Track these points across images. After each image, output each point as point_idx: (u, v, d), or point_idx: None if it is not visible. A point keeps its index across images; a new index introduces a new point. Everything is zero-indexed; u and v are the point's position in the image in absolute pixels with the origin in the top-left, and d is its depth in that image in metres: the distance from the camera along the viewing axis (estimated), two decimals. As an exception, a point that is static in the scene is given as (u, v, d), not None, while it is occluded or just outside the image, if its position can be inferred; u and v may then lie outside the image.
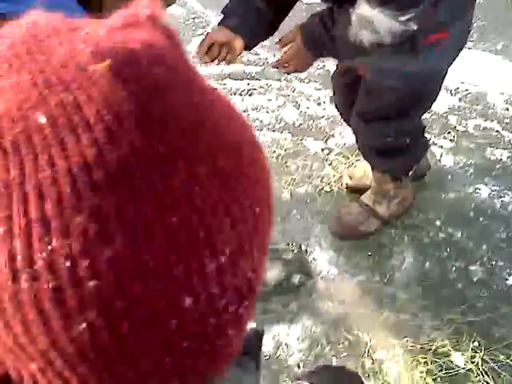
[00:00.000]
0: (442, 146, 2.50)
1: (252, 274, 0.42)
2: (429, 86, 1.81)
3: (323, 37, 1.60)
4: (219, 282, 0.38)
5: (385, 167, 2.06)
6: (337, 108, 2.21)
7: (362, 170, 2.34)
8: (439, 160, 2.45)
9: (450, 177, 2.37)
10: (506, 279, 2.00)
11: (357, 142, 2.07)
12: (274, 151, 2.57)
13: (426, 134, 2.50)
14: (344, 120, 2.21)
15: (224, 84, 2.95)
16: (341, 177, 2.42)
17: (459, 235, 2.15)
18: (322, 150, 2.57)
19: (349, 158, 2.50)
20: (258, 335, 0.72)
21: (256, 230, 0.41)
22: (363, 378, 1.78)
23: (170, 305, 0.36)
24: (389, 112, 1.84)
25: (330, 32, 1.58)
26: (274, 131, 2.67)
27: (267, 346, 1.90)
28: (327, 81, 2.88)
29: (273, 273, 2.12)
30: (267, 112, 2.77)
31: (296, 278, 2.09)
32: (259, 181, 0.43)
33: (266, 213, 0.43)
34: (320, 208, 2.32)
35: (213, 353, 0.41)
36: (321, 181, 2.43)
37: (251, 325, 0.76)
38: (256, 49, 3.16)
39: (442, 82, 1.83)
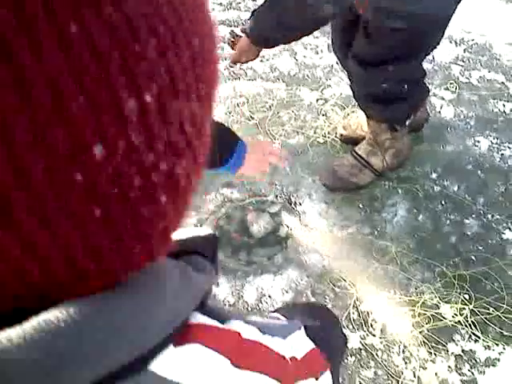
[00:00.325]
0: (442, 98, 2.39)
1: (191, 127, 0.32)
2: (432, 28, 1.69)
3: (271, 31, 1.52)
4: (144, 128, 0.29)
5: (381, 115, 1.96)
6: (334, 51, 2.10)
7: (358, 121, 2.24)
8: (439, 112, 2.34)
9: (449, 129, 2.27)
10: (502, 233, 1.91)
11: (351, 88, 1.96)
12: (267, 102, 2.48)
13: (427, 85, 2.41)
14: (341, 64, 2.10)
15: (217, 32, 2.84)
16: (335, 128, 2.32)
17: (455, 188, 2.05)
18: (317, 100, 2.46)
19: (344, 109, 2.40)
20: (214, 239, 0.62)
21: (194, 68, 0.31)
22: (343, 322, 1.72)
23: (70, 153, 0.26)
24: (388, 56, 1.72)
25: (283, 23, 1.49)
26: (267, 81, 2.57)
27: (250, 298, 1.83)
28: (326, 28, 2.76)
29: (259, 225, 2.04)
30: (261, 61, 2.67)
31: (283, 231, 2.02)
32: (195, 8, 0.32)
33: (210, 50, 0.34)
34: (312, 160, 2.23)
35: (137, 225, 0.31)
36: (314, 132, 2.33)
37: (207, 230, 0.68)
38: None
39: (446, 25, 1.71)
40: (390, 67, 1.74)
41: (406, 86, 1.83)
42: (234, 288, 1.86)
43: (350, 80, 1.95)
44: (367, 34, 1.72)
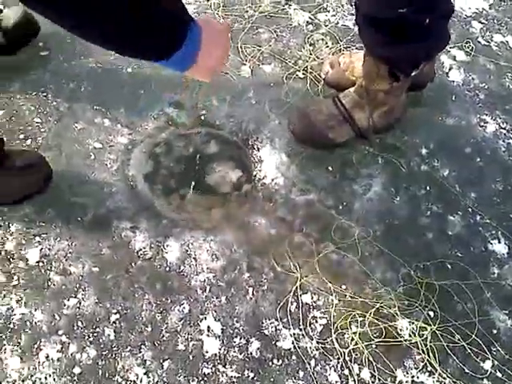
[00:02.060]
0: (454, 57, 1.98)
1: None
2: None
3: None
4: None
5: (385, 52, 1.50)
6: None
7: (350, 61, 1.82)
8: (447, 74, 1.93)
9: (453, 97, 1.87)
10: (489, 242, 1.57)
11: (355, 6, 1.50)
12: (247, 11, 2.01)
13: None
14: None
15: None
16: (321, 63, 1.89)
17: (446, 173, 1.69)
18: (307, 23, 2.01)
19: (338, 43, 1.96)
20: None
21: None
22: (277, 313, 1.38)
23: None
24: None
25: None
26: (253, -15, 2.09)
27: (171, 256, 1.46)
28: None
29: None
30: (252, -41, 2.18)
31: (230, 180, 1.63)
32: None
33: None
34: (284, 97, 1.81)
35: None
36: (295, 63, 1.90)
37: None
38: None
39: None
40: None
41: (427, 20, 1.39)
42: (154, 239, 1.49)
43: None
44: None
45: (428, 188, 1.66)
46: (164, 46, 0.93)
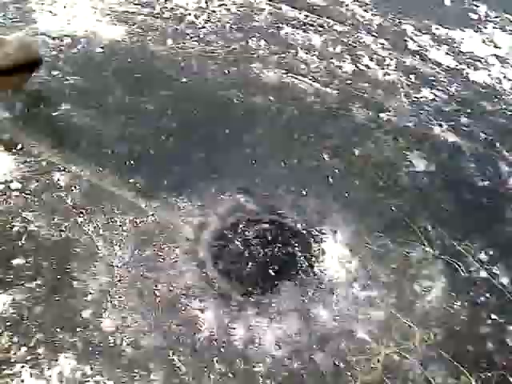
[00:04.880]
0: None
1: None
2: None
3: None
4: None
5: None
6: None
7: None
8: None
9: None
10: (549, 355, 1.57)
11: None
12: (313, 106, 2.09)
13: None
14: None
15: (278, 9, 2.45)
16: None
17: (506, 281, 1.70)
18: (370, 121, 2.08)
19: (399, 141, 2.03)
20: None
21: None
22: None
23: None
24: None
25: None
26: (318, 82, 2.18)
27: (236, 340, 1.47)
28: (399, 41, 2.40)
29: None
30: (318, 57, 2.27)
31: (293, 268, 1.65)
32: None
33: None
34: (348, 185, 1.86)
35: None
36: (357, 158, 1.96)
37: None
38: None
39: None
40: None
41: None
42: (221, 320, 1.50)
43: None
44: None
45: (488, 295, 1.66)
46: None
